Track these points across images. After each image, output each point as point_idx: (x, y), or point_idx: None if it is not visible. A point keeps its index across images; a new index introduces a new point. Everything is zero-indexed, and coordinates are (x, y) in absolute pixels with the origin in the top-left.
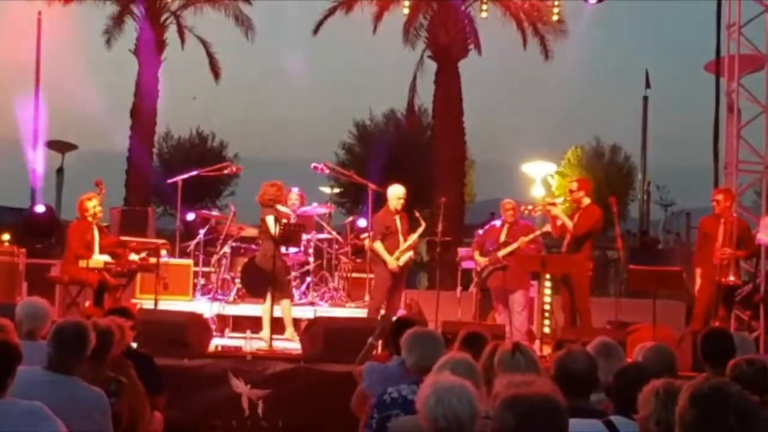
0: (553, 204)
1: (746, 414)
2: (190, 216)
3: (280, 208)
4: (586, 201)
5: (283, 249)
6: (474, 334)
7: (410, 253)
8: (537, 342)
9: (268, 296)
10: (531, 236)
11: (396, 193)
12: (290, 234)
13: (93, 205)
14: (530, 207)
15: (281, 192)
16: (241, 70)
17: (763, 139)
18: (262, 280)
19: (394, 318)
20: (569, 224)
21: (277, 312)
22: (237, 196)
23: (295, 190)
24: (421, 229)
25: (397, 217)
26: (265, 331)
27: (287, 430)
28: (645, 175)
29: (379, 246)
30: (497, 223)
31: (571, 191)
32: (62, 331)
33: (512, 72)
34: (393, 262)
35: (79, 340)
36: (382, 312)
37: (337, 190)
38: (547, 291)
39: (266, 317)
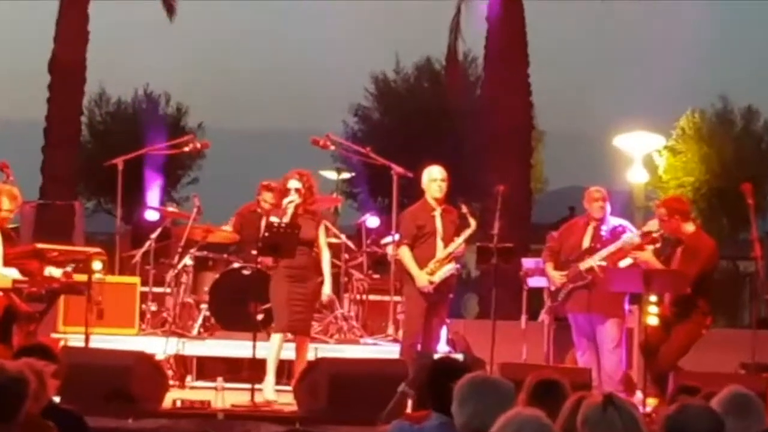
0: (641, 247)
1: None
2: (152, 215)
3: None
4: (688, 228)
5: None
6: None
7: (452, 266)
8: (638, 393)
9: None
10: (618, 244)
11: (431, 174)
12: (280, 240)
13: (8, 204)
14: (597, 260)
15: (278, 192)
16: (207, 7)
17: None
18: (239, 305)
19: (434, 358)
20: None
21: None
22: (202, 183)
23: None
24: (469, 231)
25: (437, 213)
26: (269, 380)
27: None
28: None
29: (405, 254)
30: (580, 221)
31: (662, 220)
32: None
33: (597, 6)
34: (423, 277)
35: None
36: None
37: (346, 176)
38: (652, 320)
39: (270, 359)
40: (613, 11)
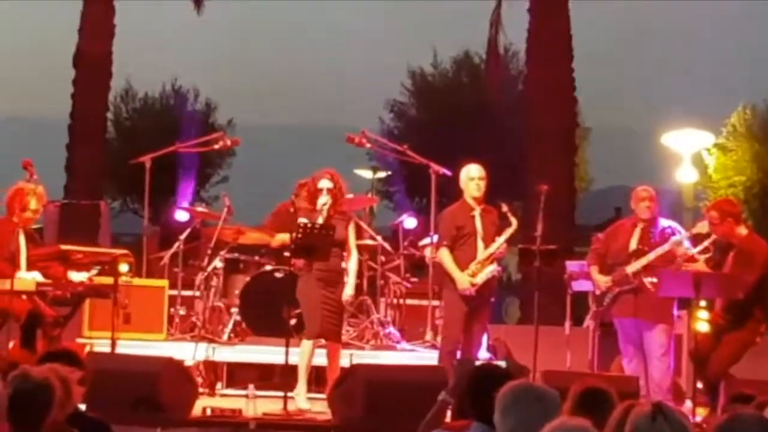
0: (693, 259)
1: None
2: (181, 215)
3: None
4: (741, 231)
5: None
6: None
7: (493, 267)
8: (688, 402)
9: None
10: (666, 247)
11: (469, 173)
12: (314, 241)
13: (35, 204)
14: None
15: (308, 192)
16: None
17: None
18: (271, 309)
19: (475, 365)
20: None
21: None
22: (232, 183)
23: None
24: (510, 230)
25: (477, 213)
26: (301, 388)
27: None
28: None
29: (445, 256)
30: (626, 223)
31: (713, 224)
32: None
33: (645, 1)
34: (464, 279)
35: None
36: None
37: (382, 174)
38: (703, 326)
39: (302, 366)
40: (663, 6)
